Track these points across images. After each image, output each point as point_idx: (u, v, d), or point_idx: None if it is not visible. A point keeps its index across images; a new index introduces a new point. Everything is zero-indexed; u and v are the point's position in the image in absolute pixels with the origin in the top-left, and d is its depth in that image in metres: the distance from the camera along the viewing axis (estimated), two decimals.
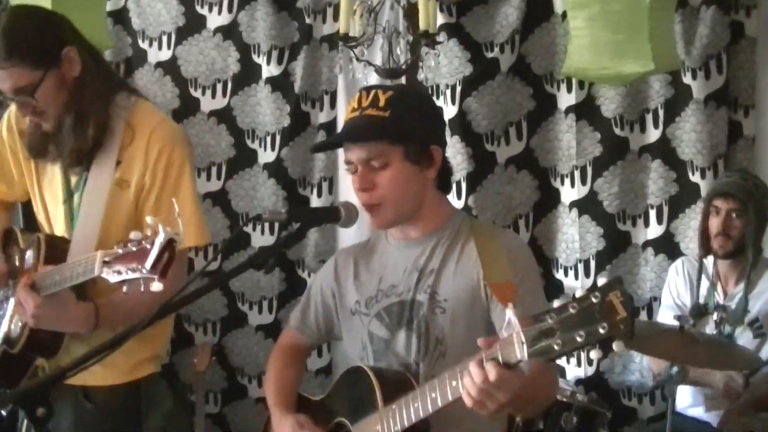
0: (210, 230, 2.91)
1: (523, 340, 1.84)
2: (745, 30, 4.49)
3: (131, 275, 2.18)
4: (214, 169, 4.86)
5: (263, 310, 4.90)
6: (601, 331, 1.69)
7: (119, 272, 2.21)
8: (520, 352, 1.85)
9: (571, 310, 1.74)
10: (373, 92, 2.49)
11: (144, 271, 2.14)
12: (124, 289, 2.20)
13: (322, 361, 4.92)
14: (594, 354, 1.74)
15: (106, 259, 2.25)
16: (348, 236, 4.56)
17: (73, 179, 2.83)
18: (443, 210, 2.62)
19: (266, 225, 4.81)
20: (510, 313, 1.89)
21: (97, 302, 2.68)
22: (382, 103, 2.45)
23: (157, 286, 2.12)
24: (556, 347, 1.76)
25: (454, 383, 2.08)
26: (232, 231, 4.83)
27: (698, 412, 4.13)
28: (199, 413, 4.55)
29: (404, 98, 2.50)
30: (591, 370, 4.68)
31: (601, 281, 1.74)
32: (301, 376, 2.90)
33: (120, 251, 2.22)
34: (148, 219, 2.16)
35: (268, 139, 4.83)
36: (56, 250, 2.75)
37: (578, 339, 1.72)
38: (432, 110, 2.63)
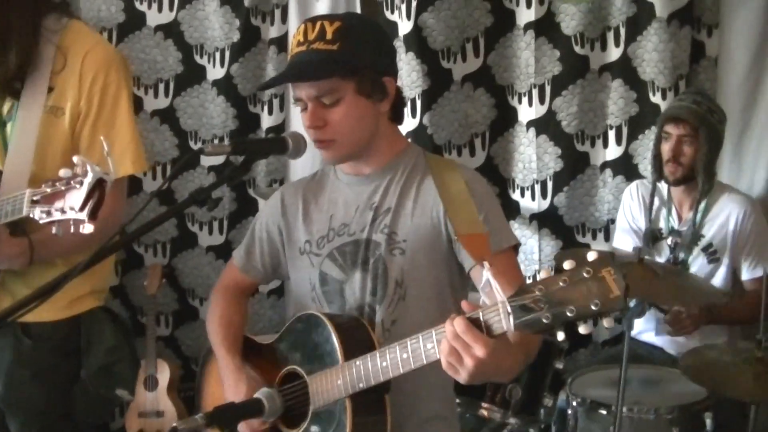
0: (157, 154, 2.80)
1: (509, 310, 1.79)
2: None
3: (60, 216, 2.07)
4: (161, 86, 4.71)
5: (213, 231, 4.83)
6: (593, 307, 1.68)
7: (48, 212, 2.10)
8: (506, 323, 1.81)
9: (561, 284, 1.72)
10: (319, 23, 2.36)
11: (74, 212, 2.04)
12: (54, 230, 2.09)
13: (274, 283, 4.82)
14: (583, 329, 1.72)
15: (35, 198, 2.14)
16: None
17: (5, 108, 2.72)
18: (396, 144, 2.55)
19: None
20: (488, 275, 1.86)
21: (32, 237, 2.58)
22: (329, 35, 2.33)
23: (87, 227, 2.03)
24: (545, 320, 1.73)
25: (429, 346, 2.02)
26: (180, 149, 4.72)
27: (649, 336, 4.15)
28: (150, 336, 4.55)
29: (353, 28, 2.37)
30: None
31: (592, 256, 1.71)
32: (246, 314, 2.80)
33: (48, 190, 2.10)
34: (75, 158, 2.05)
35: (217, 54, 4.69)
36: None
37: (568, 314, 1.70)
38: (383, 38, 2.51)
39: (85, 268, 1.97)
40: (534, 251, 4.67)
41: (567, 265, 1.73)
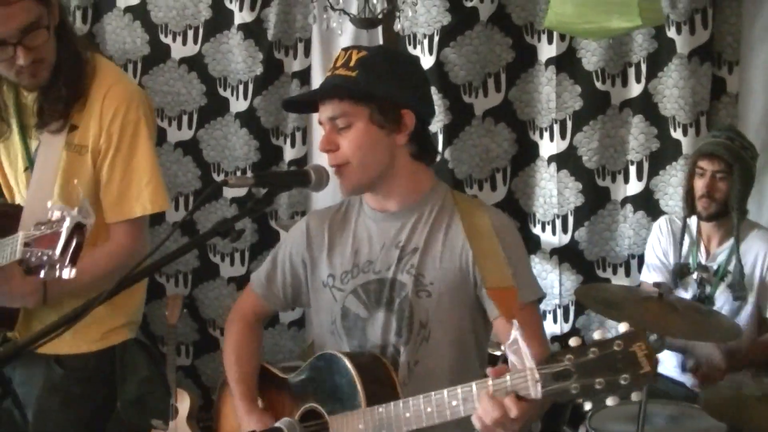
0: (167, 194, 2.80)
1: (537, 378, 1.78)
2: None
3: (45, 260, 2.05)
4: (185, 118, 4.75)
5: (235, 262, 4.85)
6: (623, 382, 1.66)
7: (37, 255, 2.08)
8: (534, 390, 1.79)
9: (591, 355, 1.70)
10: (349, 52, 2.40)
11: (54, 257, 2.02)
12: (42, 274, 2.07)
13: (295, 314, 4.89)
14: (610, 401, 1.71)
15: (27, 240, 2.13)
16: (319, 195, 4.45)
17: (33, 146, 2.72)
18: (423, 182, 2.49)
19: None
20: (518, 335, 1.83)
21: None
22: (352, 62, 2.36)
23: (69, 272, 2.00)
24: (573, 391, 1.72)
25: (454, 403, 2.00)
26: (203, 181, 4.76)
27: (671, 371, 4.09)
28: (170, 366, 4.52)
29: (376, 58, 2.38)
30: (567, 327, 4.66)
31: (624, 328, 1.70)
32: (261, 345, 2.79)
33: (37, 233, 2.09)
34: (49, 203, 2.06)
35: (241, 87, 4.74)
36: (8, 218, 2.62)
37: (597, 386, 1.69)
38: (409, 72, 2.46)
39: (107, 297, 1.93)
40: (554, 285, 4.67)
41: (597, 335, 1.72)
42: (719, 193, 3.90)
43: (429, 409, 2.05)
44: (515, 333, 1.83)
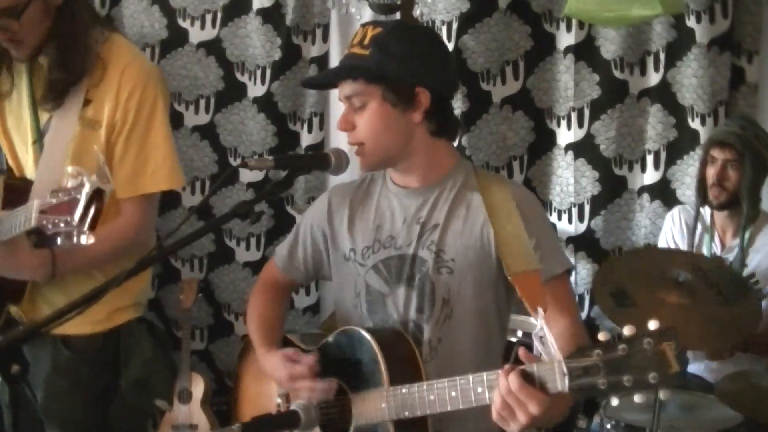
0: (182, 172, 2.85)
1: (565, 371, 1.78)
2: None
3: (64, 227, 2.07)
4: (202, 102, 4.75)
5: (251, 247, 4.86)
6: (651, 380, 1.66)
7: (54, 223, 2.10)
8: (561, 383, 1.80)
9: (620, 352, 1.70)
10: (364, 29, 2.41)
11: (73, 223, 2.04)
12: (59, 241, 2.09)
13: (311, 299, 4.91)
14: (638, 398, 1.70)
15: (43, 208, 2.14)
16: (337, 178, 4.45)
17: (43, 119, 2.75)
18: (444, 159, 2.50)
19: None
20: (543, 325, 1.83)
21: (56, 249, 2.58)
22: (366, 41, 2.37)
23: (86, 238, 2.02)
24: (600, 386, 1.72)
25: (479, 390, 2.01)
26: (220, 165, 4.77)
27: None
28: (185, 350, 4.55)
29: (391, 36, 2.37)
30: (582, 316, 4.65)
31: (654, 325, 1.69)
32: (286, 313, 2.82)
33: (54, 201, 2.11)
34: (70, 168, 2.06)
35: (258, 72, 4.73)
36: (18, 192, 2.66)
37: (626, 383, 1.69)
38: (425, 50, 2.43)
39: (123, 280, 1.98)
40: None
41: (627, 330, 1.71)
42: (729, 182, 3.91)
43: (453, 394, 2.06)
44: (541, 322, 1.84)
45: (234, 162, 4.75)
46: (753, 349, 3.83)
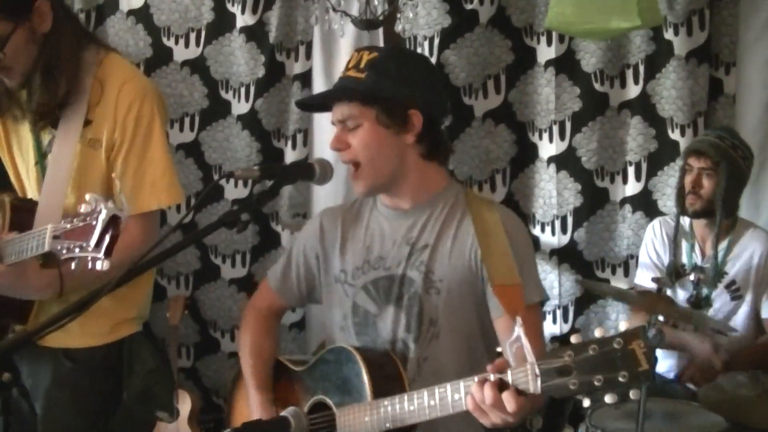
0: (182, 187, 2.85)
1: (537, 373, 1.83)
2: None
3: (78, 252, 2.06)
4: (187, 120, 4.76)
5: (236, 264, 4.85)
6: (621, 379, 1.70)
7: (68, 248, 2.09)
8: (533, 385, 1.84)
9: (591, 352, 1.74)
10: (361, 53, 2.48)
11: (89, 248, 2.03)
12: (72, 266, 2.08)
13: (296, 316, 4.89)
14: (608, 398, 1.76)
15: (56, 233, 2.14)
16: (322, 190, 4.53)
17: (45, 139, 2.76)
18: (435, 180, 2.55)
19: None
20: (520, 332, 1.86)
21: (62, 269, 2.53)
22: (362, 64, 2.44)
23: (103, 264, 2.01)
24: (572, 387, 1.76)
25: (457, 397, 2.05)
26: (205, 183, 4.76)
27: (671, 374, 4.11)
28: (172, 367, 4.50)
29: (386, 60, 2.45)
30: (566, 328, 4.68)
31: (624, 326, 1.74)
32: (278, 341, 2.85)
33: (68, 226, 2.11)
34: (88, 196, 2.05)
35: (242, 89, 4.75)
36: (23, 213, 2.66)
37: (596, 383, 1.73)
38: (419, 74, 2.52)
39: (111, 289, 2.01)
40: (554, 286, 4.69)
41: (597, 332, 1.77)
42: (704, 190, 3.93)
43: (432, 402, 2.11)
44: (518, 330, 1.86)
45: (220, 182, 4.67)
46: (735, 368, 3.87)
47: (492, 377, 1.93)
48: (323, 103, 2.62)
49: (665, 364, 4.10)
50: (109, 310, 2.72)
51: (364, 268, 2.56)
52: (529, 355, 1.85)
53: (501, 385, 1.92)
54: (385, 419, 2.24)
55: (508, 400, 1.89)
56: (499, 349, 2.49)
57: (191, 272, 4.86)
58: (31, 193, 2.81)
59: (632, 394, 1.76)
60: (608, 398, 1.76)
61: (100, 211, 2.00)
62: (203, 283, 4.88)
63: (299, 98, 4.60)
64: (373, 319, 2.52)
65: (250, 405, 2.65)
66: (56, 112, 2.67)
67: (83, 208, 2.06)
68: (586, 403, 1.79)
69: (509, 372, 1.90)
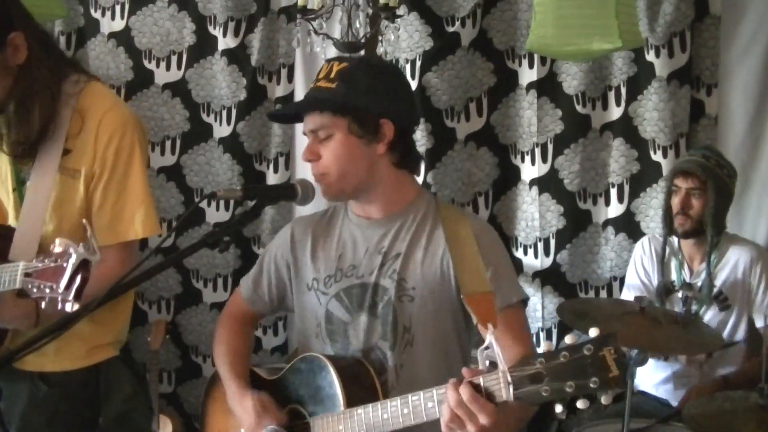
0: (162, 211, 2.82)
1: (510, 380, 1.83)
2: (709, 8, 4.44)
3: (48, 293, 2.10)
4: (168, 143, 4.76)
5: (218, 288, 4.84)
6: (592, 385, 1.72)
7: (39, 287, 2.13)
8: (506, 392, 1.85)
9: (562, 359, 1.76)
10: (330, 64, 2.49)
11: (58, 290, 2.07)
12: (42, 305, 2.12)
13: (279, 340, 4.89)
14: (581, 404, 1.75)
15: (28, 271, 2.18)
16: (304, 213, 4.36)
17: (24, 167, 2.74)
18: (406, 190, 2.58)
19: (221, 201, 4.73)
20: (492, 340, 1.88)
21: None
22: (332, 74, 2.45)
23: (72, 306, 2.04)
24: (543, 393, 1.77)
25: (430, 405, 2.06)
26: (186, 206, 4.76)
27: (655, 389, 4.12)
28: (153, 392, 4.45)
29: (355, 70, 2.46)
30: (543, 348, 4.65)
31: (594, 333, 1.75)
32: (251, 345, 2.88)
33: (40, 265, 2.14)
34: (57, 240, 2.09)
35: (224, 113, 4.76)
36: (1, 239, 2.64)
37: (567, 389, 1.74)
38: (389, 84, 2.53)
39: (90, 311, 2.01)
40: (537, 309, 4.66)
41: (568, 339, 1.77)
42: (693, 210, 3.97)
43: (405, 411, 2.12)
44: (490, 337, 1.88)
45: (201, 203, 4.72)
46: (732, 387, 3.83)
47: (466, 381, 1.94)
48: (295, 114, 2.64)
49: (656, 377, 4.10)
50: (85, 333, 2.71)
51: (337, 276, 2.57)
52: (501, 362, 1.85)
53: (474, 389, 1.92)
54: (359, 428, 2.25)
55: (485, 405, 1.89)
56: (474, 354, 2.48)
57: (173, 296, 4.85)
58: (11, 218, 2.79)
59: (603, 399, 1.73)
60: (580, 404, 1.75)
61: (70, 255, 2.03)
62: (185, 307, 4.87)
63: (279, 127, 4.67)
64: (345, 327, 2.53)
65: (229, 398, 2.62)
66: (35, 147, 2.64)
67: (56, 249, 2.09)
68: (559, 409, 1.78)
69: (482, 378, 1.91)
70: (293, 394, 2.52)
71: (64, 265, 2.04)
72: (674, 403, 4.02)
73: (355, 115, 2.42)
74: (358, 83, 2.43)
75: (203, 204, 4.72)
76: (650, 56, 4.45)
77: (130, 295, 3.03)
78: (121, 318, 2.93)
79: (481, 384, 1.90)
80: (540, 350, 1.81)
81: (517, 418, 2.26)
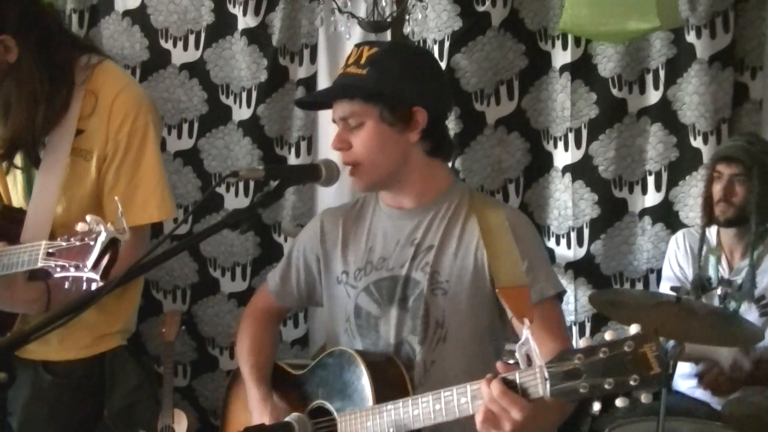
0: (177, 198, 2.78)
1: (547, 376, 1.82)
2: None
3: (73, 272, 2.13)
4: (185, 127, 4.66)
5: (236, 277, 4.73)
6: (632, 383, 1.71)
7: (63, 267, 2.15)
8: (543, 389, 1.83)
9: (601, 355, 1.75)
10: (360, 49, 2.46)
11: (86, 269, 2.09)
12: (66, 285, 2.14)
13: (299, 332, 4.79)
14: (620, 402, 1.74)
15: (50, 250, 2.19)
16: (327, 199, 4.48)
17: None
18: (439, 179, 2.54)
19: (240, 186, 4.65)
20: (528, 335, 1.87)
21: (50, 283, 2.57)
22: (363, 60, 2.42)
23: (97, 286, 2.08)
24: (582, 390, 1.76)
25: (463, 401, 2.02)
26: (203, 192, 4.66)
27: (693, 389, 3.98)
28: (167, 386, 4.36)
29: (388, 56, 2.42)
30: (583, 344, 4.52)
31: (635, 329, 1.74)
32: (277, 343, 2.83)
33: (64, 244, 2.15)
34: (88, 217, 2.09)
35: (244, 95, 4.64)
36: (11, 222, 2.64)
37: (606, 386, 1.73)
38: (422, 70, 2.49)
39: (107, 292, 1.96)
40: (569, 301, 4.56)
41: (608, 336, 1.75)
42: (737, 197, 3.83)
43: (438, 407, 2.08)
44: (526, 332, 1.87)
45: (219, 189, 4.65)
46: (758, 382, 3.76)
47: (500, 377, 1.92)
48: (322, 101, 2.64)
49: (688, 382, 3.97)
50: (91, 322, 2.70)
51: (367, 269, 2.54)
52: (537, 358, 1.85)
53: (508, 385, 1.91)
54: (389, 424, 2.20)
55: (516, 400, 1.87)
56: (509, 347, 2.45)
57: (188, 286, 4.74)
58: (18, 200, 2.77)
59: (644, 398, 1.72)
60: (619, 402, 1.73)
61: (99, 233, 2.05)
62: (201, 297, 4.76)
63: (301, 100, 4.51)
64: (375, 321, 2.50)
65: (249, 402, 2.60)
66: (13, 150, 2.63)
67: (80, 227, 2.10)
68: (596, 407, 1.76)
69: (517, 374, 1.89)
70: (320, 389, 2.49)
71: (91, 243, 2.05)
72: (713, 405, 3.89)
73: (386, 102, 2.39)
74: (390, 69, 2.39)
75: (221, 189, 4.64)
76: (690, 37, 4.32)
77: (139, 283, 3.02)
78: (128, 306, 2.92)
79: (517, 380, 1.88)
80: (578, 346, 1.79)
81: (559, 413, 2.24)
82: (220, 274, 4.73)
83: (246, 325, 2.75)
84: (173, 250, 2.12)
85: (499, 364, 1.94)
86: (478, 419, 1.93)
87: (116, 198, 2.24)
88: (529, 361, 1.86)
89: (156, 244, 2.05)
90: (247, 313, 2.81)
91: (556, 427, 2.28)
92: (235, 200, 4.63)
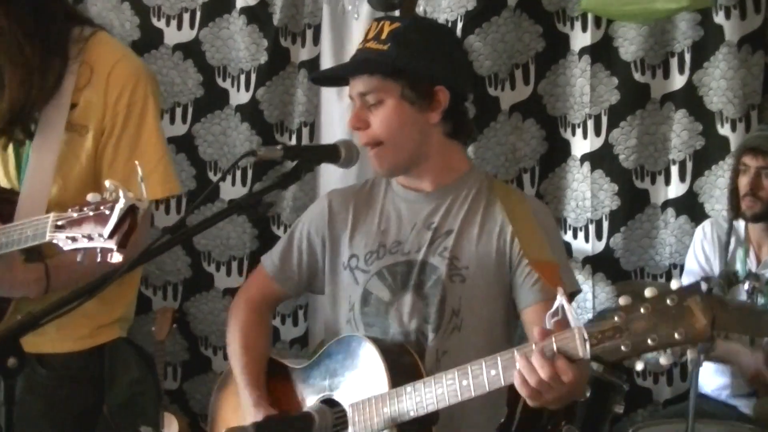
0: (178, 179, 2.74)
1: (586, 337, 1.80)
2: None
3: (87, 243, 2.01)
4: (179, 111, 4.55)
5: (232, 272, 4.61)
6: (677, 336, 1.68)
7: (74, 239, 2.04)
8: (582, 350, 1.81)
9: (642, 311, 1.71)
10: (381, 24, 2.42)
11: (101, 239, 1.98)
12: (79, 258, 2.02)
13: (298, 331, 4.66)
14: (664, 360, 1.72)
15: (59, 222, 2.09)
16: (329, 189, 4.20)
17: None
18: (458, 162, 2.50)
19: (237, 175, 4.52)
20: (563, 301, 1.85)
21: (49, 263, 2.48)
22: (384, 35, 2.37)
23: (115, 257, 1.97)
24: (623, 348, 1.74)
25: (493, 372, 2.00)
26: (198, 181, 4.56)
27: (720, 394, 3.92)
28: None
29: (411, 31, 2.39)
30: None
31: (676, 284, 1.71)
32: (270, 335, 2.74)
33: (75, 215, 2.05)
34: (108, 182, 2.00)
35: (242, 77, 4.56)
36: (3, 204, 2.54)
37: (650, 342, 1.70)
38: (445, 47, 2.46)
39: (119, 276, 1.93)
40: (587, 298, 4.44)
41: (648, 292, 1.72)
42: (764, 191, 3.78)
43: (465, 382, 2.05)
44: (560, 298, 1.85)
45: (215, 177, 4.53)
46: None
47: (534, 346, 1.89)
48: (336, 77, 2.64)
49: (716, 382, 3.91)
50: (89, 311, 2.49)
51: (380, 252, 2.48)
52: (573, 320, 1.83)
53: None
54: (409, 407, 2.16)
55: (562, 367, 1.85)
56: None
57: (180, 281, 4.63)
58: (10, 176, 2.64)
59: (689, 354, 1.69)
60: (663, 359, 1.71)
61: (117, 200, 1.96)
62: (194, 293, 4.65)
63: (307, 85, 4.49)
64: (386, 308, 2.44)
65: (242, 405, 2.51)
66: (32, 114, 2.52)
67: (91, 197, 2.04)
68: (639, 366, 1.74)
69: (553, 337, 1.86)
70: (326, 382, 2.42)
71: (107, 212, 1.97)
72: (742, 409, 3.84)
73: (408, 79, 2.34)
74: (413, 45, 2.36)
75: (216, 178, 4.52)
76: (719, 18, 4.21)
77: (138, 270, 2.86)
78: (127, 294, 2.80)
79: (554, 344, 1.86)
80: (620, 301, 1.76)
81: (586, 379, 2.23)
82: (215, 269, 4.62)
83: (237, 316, 2.65)
84: (173, 240, 2.07)
85: (536, 329, 1.91)
86: (525, 385, 1.91)
87: (136, 163, 2.13)
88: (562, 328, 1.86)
89: (154, 241, 2.02)
90: (238, 301, 2.70)
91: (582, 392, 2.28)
92: (231, 189, 4.51)
